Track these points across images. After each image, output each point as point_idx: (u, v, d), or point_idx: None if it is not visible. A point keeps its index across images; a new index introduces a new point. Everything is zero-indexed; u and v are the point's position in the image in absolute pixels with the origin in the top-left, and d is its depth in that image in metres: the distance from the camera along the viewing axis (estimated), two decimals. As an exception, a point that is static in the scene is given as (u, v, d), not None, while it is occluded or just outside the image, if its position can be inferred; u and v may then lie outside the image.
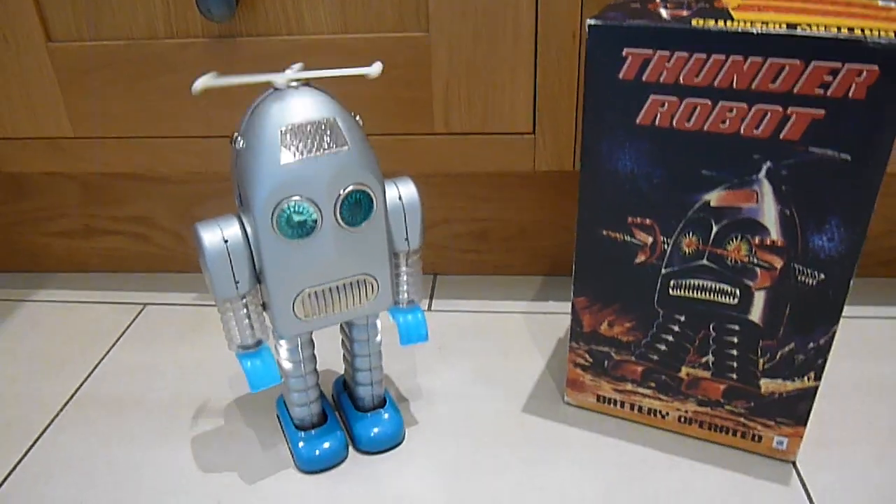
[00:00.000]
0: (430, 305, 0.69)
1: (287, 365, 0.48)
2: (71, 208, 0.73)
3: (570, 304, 0.68)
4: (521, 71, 0.57)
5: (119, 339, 0.66)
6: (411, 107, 0.60)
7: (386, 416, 0.51)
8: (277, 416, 0.55)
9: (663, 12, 0.41)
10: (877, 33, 0.36)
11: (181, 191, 0.71)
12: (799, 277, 0.43)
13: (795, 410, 0.47)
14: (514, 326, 0.66)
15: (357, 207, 0.42)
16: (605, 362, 0.52)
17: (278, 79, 0.41)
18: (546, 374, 0.59)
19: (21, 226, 0.75)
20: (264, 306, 0.45)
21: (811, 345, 0.45)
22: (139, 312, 0.70)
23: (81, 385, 0.60)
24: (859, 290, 0.69)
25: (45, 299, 0.73)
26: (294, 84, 0.41)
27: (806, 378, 0.46)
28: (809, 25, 0.37)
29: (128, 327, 0.67)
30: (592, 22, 0.41)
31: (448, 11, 0.55)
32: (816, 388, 0.46)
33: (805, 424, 0.48)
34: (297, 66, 0.42)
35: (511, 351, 0.62)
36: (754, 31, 0.38)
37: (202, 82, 0.40)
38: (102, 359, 0.63)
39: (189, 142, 0.63)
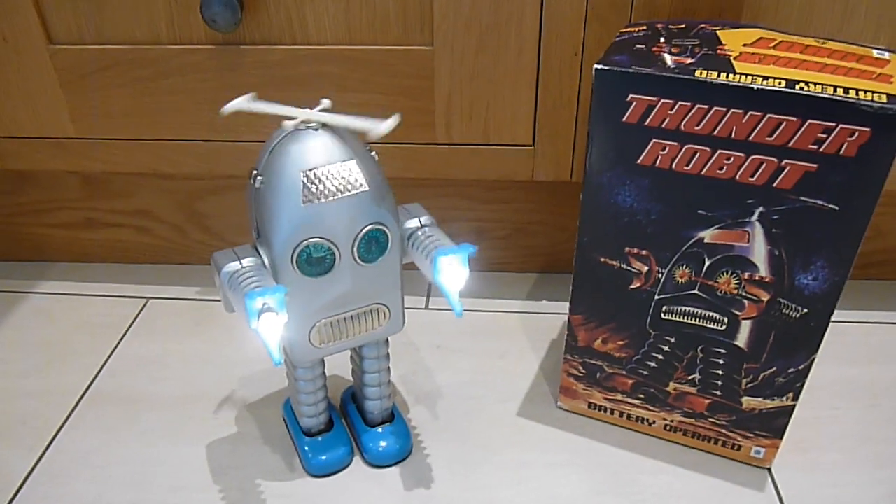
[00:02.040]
0: (427, 303, 0.71)
1: (299, 383, 0.50)
2: (72, 201, 0.74)
3: (562, 304, 0.71)
4: (522, 85, 0.58)
5: (125, 333, 0.68)
6: (414, 116, 0.61)
7: (394, 429, 0.54)
8: (284, 419, 0.57)
9: (667, 58, 0.43)
10: (870, 96, 0.38)
11: (183, 185, 0.72)
12: (783, 310, 0.46)
13: (773, 425, 0.51)
14: (509, 326, 0.68)
15: (374, 244, 0.44)
16: (598, 374, 0.55)
17: (299, 116, 0.42)
18: (540, 376, 0.63)
19: (22, 217, 0.76)
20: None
21: (791, 369, 0.48)
22: (143, 306, 0.71)
23: (93, 381, 0.62)
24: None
25: (50, 291, 0.74)
26: (314, 126, 0.42)
27: (785, 398, 0.49)
28: (807, 83, 0.39)
29: (133, 322, 0.69)
30: (599, 66, 0.42)
31: (452, 25, 0.56)
32: (794, 406, 0.49)
33: (782, 437, 0.51)
34: (326, 102, 0.43)
35: (507, 352, 0.65)
36: (754, 87, 0.39)
37: (232, 105, 0.41)
38: (111, 354, 0.65)
39: (193, 145, 0.63)
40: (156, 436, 0.57)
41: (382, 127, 0.41)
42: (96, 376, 0.63)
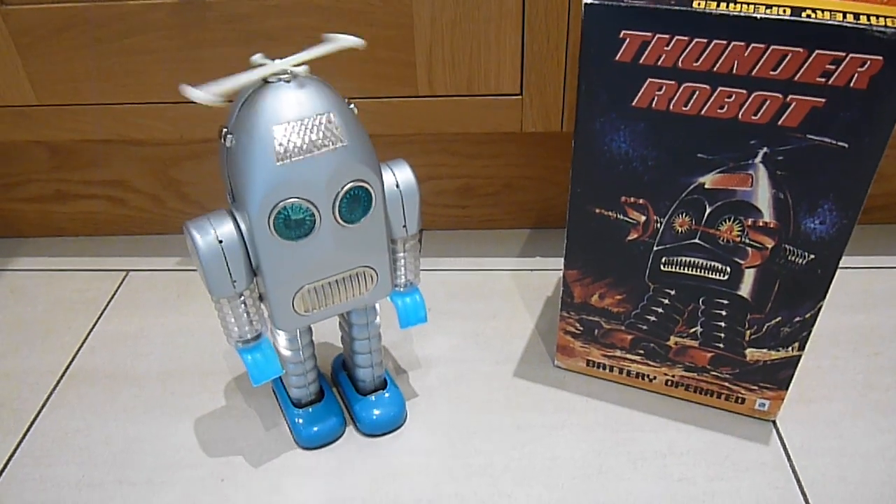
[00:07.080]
0: (417, 265, 0.69)
1: (286, 353, 0.48)
2: (41, 174, 0.70)
3: (556, 260, 0.69)
4: (507, 31, 0.55)
5: (105, 308, 0.65)
6: (394, 69, 0.57)
7: (387, 397, 0.52)
8: (273, 390, 0.55)
9: (662, -10, 0.39)
10: (882, 21, 0.35)
11: (156, 152, 0.69)
12: (789, 257, 0.43)
13: (778, 377, 0.49)
14: (502, 285, 0.66)
15: (356, 203, 0.41)
16: (595, 331, 0.53)
17: (269, 70, 0.39)
18: (535, 335, 0.61)
19: (-11, 191, 0.72)
20: (261, 297, 0.45)
21: (797, 319, 0.46)
22: (122, 280, 0.69)
23: (73, 360, 0.60)
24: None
25: (24, 268, 0.71)
26: (286, 76, 0.39)
27: (790, 348, 0.47)
28: (814, 10, 0.36)
29: (113, 296, 0.67)
30: (588, 1, 0.39)
31: (431, -32, 0.52)
32: (800, 357, 0.48)
33: (787, 389, 0.50)
34: (298, 57, 0.39)
35: (500, 312, 0.63)
36: (757, 17, 0.36)
37: (199, 97, 0.37)
38: (91, 331, 0.63)
39: (161, 108, 0.60)
40: (140, 413, 0.55)
41: (353, 39, 0.40)
42: (76, 354, 0.61)
